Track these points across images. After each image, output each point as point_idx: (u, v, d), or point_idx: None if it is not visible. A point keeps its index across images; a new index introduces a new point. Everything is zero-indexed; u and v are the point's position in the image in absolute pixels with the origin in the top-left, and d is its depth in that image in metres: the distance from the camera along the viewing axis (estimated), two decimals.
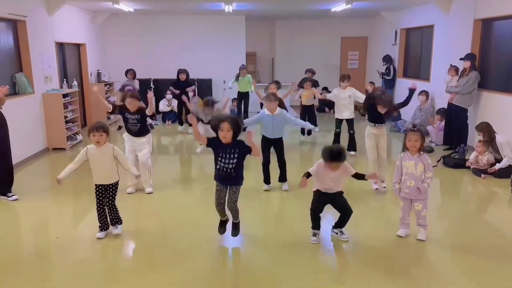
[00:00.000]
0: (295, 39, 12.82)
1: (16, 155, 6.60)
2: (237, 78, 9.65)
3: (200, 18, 11.39)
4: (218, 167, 3.75)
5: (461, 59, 7.38)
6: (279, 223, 4.60)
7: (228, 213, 3.91)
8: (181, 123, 9.65)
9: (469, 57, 7.24)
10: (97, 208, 4.00)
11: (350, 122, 7.20)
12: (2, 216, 4.71)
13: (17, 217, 4.66)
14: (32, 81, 7.22)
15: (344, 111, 7.16)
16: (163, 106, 10.52)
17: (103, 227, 4.06)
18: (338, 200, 3.86)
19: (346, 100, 7.09)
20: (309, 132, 8.58)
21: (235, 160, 3.70)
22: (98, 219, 4.03)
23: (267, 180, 5.47)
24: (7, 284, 3.33)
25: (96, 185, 3.97)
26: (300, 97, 8.57)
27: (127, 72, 9.76)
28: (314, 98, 8.46)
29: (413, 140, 3.80)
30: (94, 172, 3.94)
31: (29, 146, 7.06)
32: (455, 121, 7.42)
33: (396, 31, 10.88)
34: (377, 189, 5.37)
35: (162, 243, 3.97)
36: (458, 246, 3.98)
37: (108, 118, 10.22)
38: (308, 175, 3.84)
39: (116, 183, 4.02)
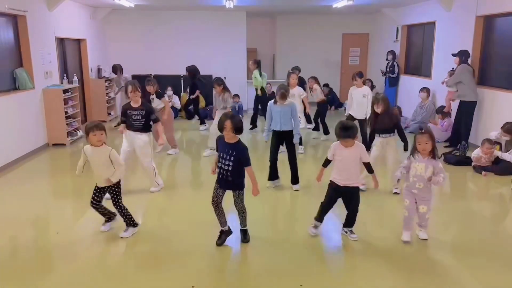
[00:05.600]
0: (296, 35, 12.78)
1: (17, 151, 6.62)
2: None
3: (201, 13, 11.36)
4: (219, 165, 3.70)
5: (453, 54, 7.41)
6: (280, 223, 4.60)
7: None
8: (202, 122, 9.51)
9: (458, 53, 7.33)
10: (91, 205, 3.96)
11: (361, 122, 6.82)
12: (1, 210, 4.72)
13: (18, 212, 4.66)
14: (32, 76, 7.20)
15: (357, 111, 6.89)
16: None
17: (107, 219, 4.07)
18: (350, 196, 3.87)
19: (360, 99, 6.82)
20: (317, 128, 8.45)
21: (231, 163, 3.61)
22: (100, 213, 4.03)
23: (271, 176, 5.35)
24: (7, 279, 3.33)
25: (95, 185, 3.94)
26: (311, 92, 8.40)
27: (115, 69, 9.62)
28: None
29: (423, 142, 3.68)
30: (94, 173, 3.88)
31: (29, 142, 7.06)
32: (463, 116, 7.36)
33: (397, 27, 10.84)
34: (363, 190, 5.12)
35: (164, 242, 3.95)
36: (460, 244, 3.97)
37: (109, 113, 10.23)
38: (325, 163, 3.96)
39: (116, 185, 3.91)
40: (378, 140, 5.19)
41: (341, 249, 3.88)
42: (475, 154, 6.21)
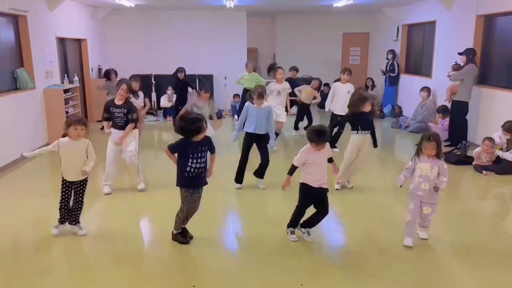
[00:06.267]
0: (297, 35, 12.78)
1: (17, 150, 6.62)
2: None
3: (201, 13, 11.36)
4: (188, 169, 3.58)
5: (459, 53, 7.40)
6: (280, 222, 4.60)
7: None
8: None
9: (464, 52, 7.30)
10: (61, 203, 3.90)
11: (343, 117, 6.76)
12: (1, 210, 4.72)
13: (17, 212, 4.67)
14: (33, 76, 7.21)
15: (338, 107, 6.93)
16: (164, 101, 10.52)
17: (64, 219, 3.97)
18: (321, 197, 3.82)
19: (344, 95, 6.82)
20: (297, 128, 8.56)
21: (203, 159, 3.63)
22: (60, 212, 3.93)
23: (239, 180, 5.30)
24: (5, 277, 3.34)
25: (64, 180, 3.87)
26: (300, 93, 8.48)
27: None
28: (314, 98, 8.25)
29: (429, 149, 3.69)
30: (65, 167, 3.83)
31: (30, 142, 7.05)
32: (457, 116, 7.40)
33: (398, 27, 10.84)
34: (338, 189, 5.20)
35: (163, 242, 3.94)
36: (461, 244, 3.97)
37: None
38: (291, 170, 3.83)
39: (86, 180, 3.93)
40: (355, 138, 5.11)
41: (341, 249, 3.88)
42: (476, 151, 6.22)
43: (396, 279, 3.31)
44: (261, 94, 5.02)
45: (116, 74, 9.04)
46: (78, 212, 3.99)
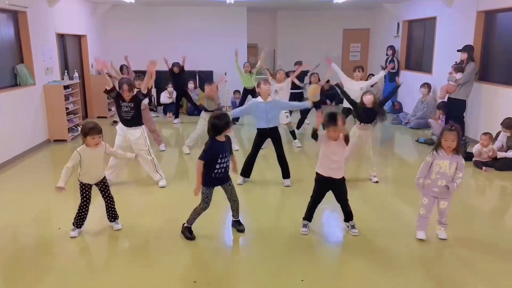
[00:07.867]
0: (297, 31, 12.76)
1: (18, 147, 6.64)
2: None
3: (202, 9, 11.33)
4: (216, 171, 3.66)
5: (458, 50, 7.38)
6: (280, 217, 4.61)
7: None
8: (177, 116, 9.78)
9: (465, 48, 7.26)
10: (82, 207, 3.92)
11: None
12: (3, 207, 4.74)
13: (19, 208, 4.68)
14: (33, 72, 7.21)
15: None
16: (165, 98, 10.51)
17: (80, 224, 3.98)
18: (338, 188, 3.86)
19: (357, 92, 6.63)
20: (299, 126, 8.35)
21: (228, 157, 3.73)
22: (78, 217, 3.93)
23: (246, 173, 5.28)
24: (8, 275, 3.35)
25: (83, 183, 3.88)
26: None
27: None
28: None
29: (450, 140, 3.57)
30: (85, 172, 3.84)
31: (30, 138, 7.07)
32: (454, 112, 7.40)
33: (398, 23, 10.82)
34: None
35: (167, 237, 3.96)
36: (461, 240, 3.97)
37: (109, 109, 10.23)
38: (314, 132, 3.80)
39: (105, 178, 4.02)
40: (357, 130, 5.23)
41: (342, 244, 3.89)
42: (475, 148, 6.22)
43: (395, 274, 3.32)
44: (260, 85, 5.11)
45: (128, 71, 9.21)
46: (113, 208, 4.07)
